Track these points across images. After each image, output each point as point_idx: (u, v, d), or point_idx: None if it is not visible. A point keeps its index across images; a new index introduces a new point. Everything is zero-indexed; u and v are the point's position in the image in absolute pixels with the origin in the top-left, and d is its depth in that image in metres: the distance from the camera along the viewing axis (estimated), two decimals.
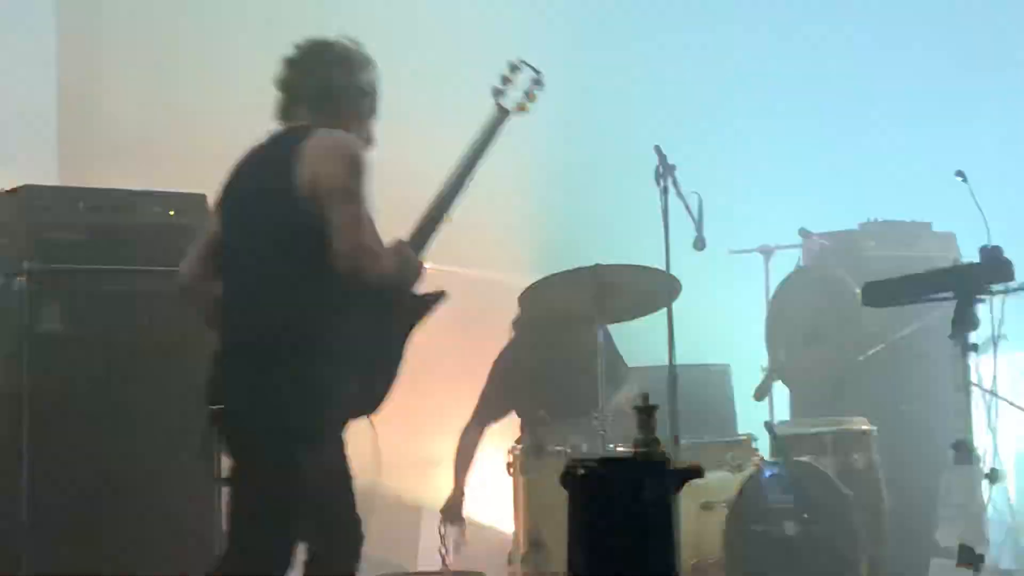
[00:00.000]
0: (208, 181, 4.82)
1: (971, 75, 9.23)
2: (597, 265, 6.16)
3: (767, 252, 7.79)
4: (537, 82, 5.34)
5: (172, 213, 5.91)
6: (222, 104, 7.52)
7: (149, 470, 5.61)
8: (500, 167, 9.01)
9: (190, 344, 5.35)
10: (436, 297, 4.77)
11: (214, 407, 4.27)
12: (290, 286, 4.31)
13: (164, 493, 5.60)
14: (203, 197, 5.58)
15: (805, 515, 6.01)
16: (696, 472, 2.28)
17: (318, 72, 4.59)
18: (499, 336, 7.24)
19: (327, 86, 4.59)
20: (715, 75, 9.32)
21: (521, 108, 5.25)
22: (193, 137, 7.49)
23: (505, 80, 5.25)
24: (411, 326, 4.76)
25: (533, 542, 5.99)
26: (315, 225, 4.27)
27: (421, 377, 8.66)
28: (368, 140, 4.68)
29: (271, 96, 4.61)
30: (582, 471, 2.27)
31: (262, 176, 4.46)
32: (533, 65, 5.30)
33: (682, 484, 2.28)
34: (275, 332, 4.30)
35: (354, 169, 4.37)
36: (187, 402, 4.65)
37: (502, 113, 5.21)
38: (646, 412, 2.33)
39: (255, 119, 4.63)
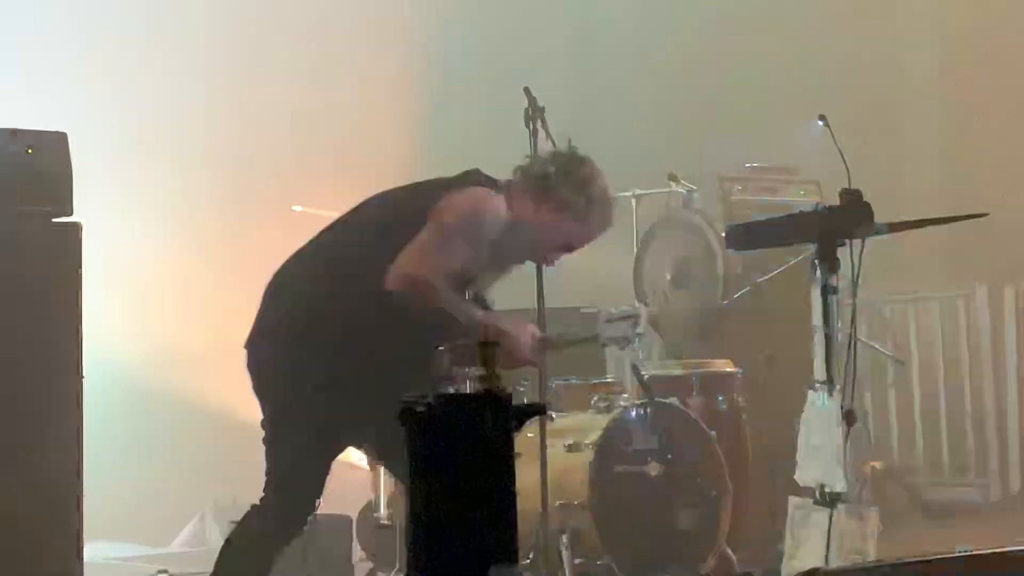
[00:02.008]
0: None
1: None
2: None
3: (637, 197, 7.83)
4: (635, 323, 5.11)
5: (30, 152, 5.74)
6: None
7: None
8: (365, 108, 9.02)
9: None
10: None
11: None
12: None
13: None
14: (64, 136, 5.44)
15: (669, 456, 6.09)
16: (538, 409, 2.28)
17: (549, 167, 4.83)
18: None
19: (544, 174, 4.79)
20: (587, 18, 9.34)
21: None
22: None
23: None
24: None
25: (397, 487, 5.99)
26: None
27: None
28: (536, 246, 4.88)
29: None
30: (421, 408, 2.25)
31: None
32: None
33: (523, 421, 2.27)
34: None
35: (467, 216, 4.59)
36: None
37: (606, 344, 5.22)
38: (488, 348, 2.32)
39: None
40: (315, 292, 4.72)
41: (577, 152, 4.94)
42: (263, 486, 4.69)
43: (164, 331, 8.61)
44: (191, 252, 8.69)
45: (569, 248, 4.97)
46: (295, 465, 4.63)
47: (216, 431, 8.53)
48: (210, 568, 4.72)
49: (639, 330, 4.98)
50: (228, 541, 4.72)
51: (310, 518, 4.74)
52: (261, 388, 4.80)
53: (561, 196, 4.78)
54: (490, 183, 4.77)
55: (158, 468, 8.34)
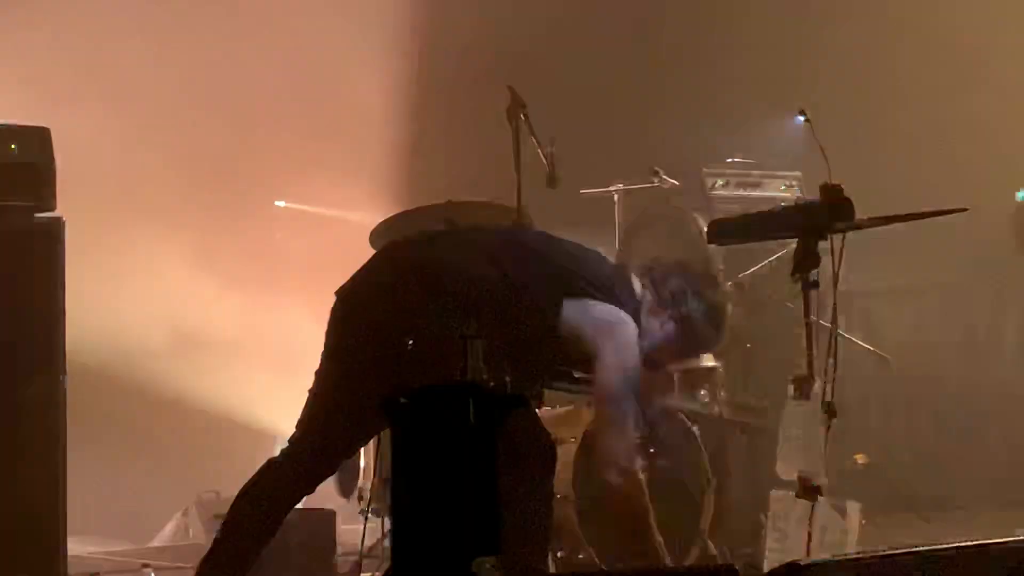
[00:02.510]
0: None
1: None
2: (449, 202, 6.17)
3: (619, 192, 7.85)
4: None
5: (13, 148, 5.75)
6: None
7: None
8: (353, 105, 9.02)
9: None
10: None
11: None
12: None
13: None
14: (46, 131, 5.45)
15: (652, 449, 6.11)
16: (520, 400, 2.29)
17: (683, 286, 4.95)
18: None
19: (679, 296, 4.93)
20: (569, 13, 9.36)
21: None
22: None
23: None
24: None
25: (384, 477, 6.00)
26: None
27: (277, 315, 8.71)
28: None
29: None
30: (404, 399, 2.26)
31: None
32: None
33: (507, 412, 2.28)
34: None
35: (633, 383, 4.77)
36: None
37: None
38: (470, 341, 2.33)
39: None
40: (450, 287, 4.69)
41: (708, 272, 5.06)
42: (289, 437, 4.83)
43: (148, 326, 8.61)
44: (174, 247, 8.69)
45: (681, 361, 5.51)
46: (328, 420, 4.72)
47: (200, 426, 8.54)
48: (193, 564, 4.76)
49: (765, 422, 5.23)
50: (243, 491, 4.82)
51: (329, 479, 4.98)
52: (337, 336, 4.82)
53: (695, 328, 4.94)
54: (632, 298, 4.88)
55: (142, 464, 8.34)
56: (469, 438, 2.20)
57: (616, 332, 4.75)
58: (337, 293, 4.86)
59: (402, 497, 2.21)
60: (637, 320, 4.83)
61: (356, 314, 4.77)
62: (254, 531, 4.84)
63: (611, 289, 4.84)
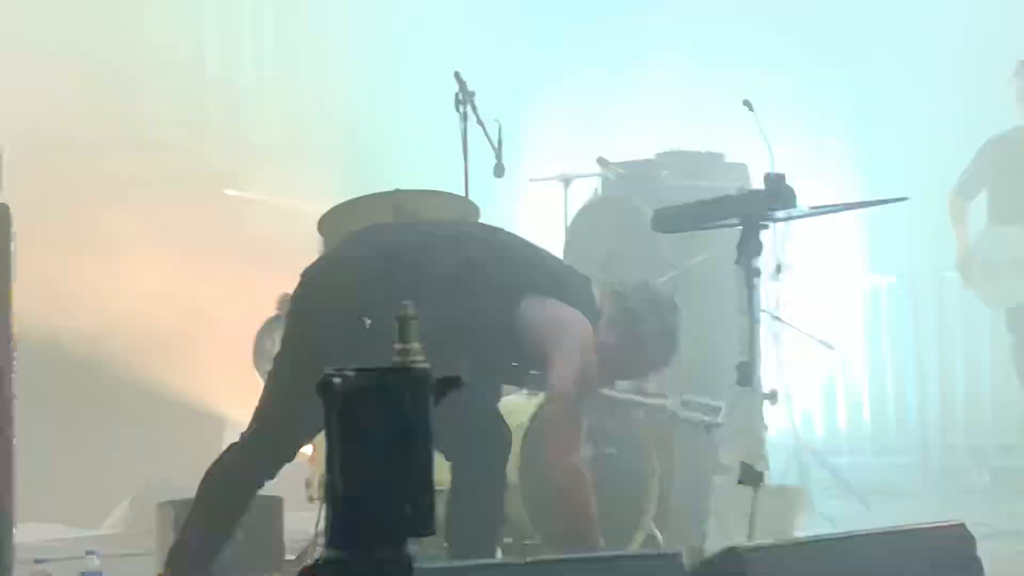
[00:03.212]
0: None
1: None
2: (396, 191, 6.18)
3: (566, 180, 7.88)
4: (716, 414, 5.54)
5: None
6: None
7: None
8: (303, 95, 9.02)
9: None
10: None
11: None
12: None
13: None
14: None
15: (596, 437, 6.15)
16: (455, 382, 2.31)
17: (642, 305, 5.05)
18: (302, 262, 7.24)
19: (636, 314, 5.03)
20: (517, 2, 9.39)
21: None
22: None
23: None
24: None
25: None
26: None
27: (227, 303, 8.71)
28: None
29: None
30: (338, 380, 2.28)
31: None
32: None
33: (442, 394, 2.31)
34: None
35: (586, 383, 4.90)
36: None
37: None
38: (404, 321, 2.36)
39: None
40: (412, 272, 4.75)
41: (669, 296, 5.19)
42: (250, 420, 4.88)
43: (97, 312, 8.58)
44: (124, 235, 8.67)
45: (627, 379, 5.55)
46: (287, 403, 4.73)
47: (150, 413, 8.52)
48: (141, 551, 4.80)
49: (719, 420, 5.23)
50: (207, 473, 4.88)
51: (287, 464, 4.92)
52: (298, 317, 4.88)
53: (647, 349, 5.05)
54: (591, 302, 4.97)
55: (90, 450, 8.32)
56: (403, 419, 2.22)
57: (572, 332, 4.80)
58: (302, 274, 4.90)
59: (336, 478, 2.23)
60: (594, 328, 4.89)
61: (318, 295, 4.81)
62: (221, 516, 4.88)
63: (571, 291, 4.90)
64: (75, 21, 8.47)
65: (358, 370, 2.25)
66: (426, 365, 2.27)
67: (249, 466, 4.90)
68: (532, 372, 4.99)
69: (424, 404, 2.23)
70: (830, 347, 7.87)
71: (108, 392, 8.52)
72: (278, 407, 4.83)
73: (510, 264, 4.88)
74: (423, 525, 2.24)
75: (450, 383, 2.29)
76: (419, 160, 7.88)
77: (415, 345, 2.32)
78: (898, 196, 6.48)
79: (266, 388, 4.92)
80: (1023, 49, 8.16)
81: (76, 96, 8.50)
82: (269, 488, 5.25)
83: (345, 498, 2.21)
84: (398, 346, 2.31)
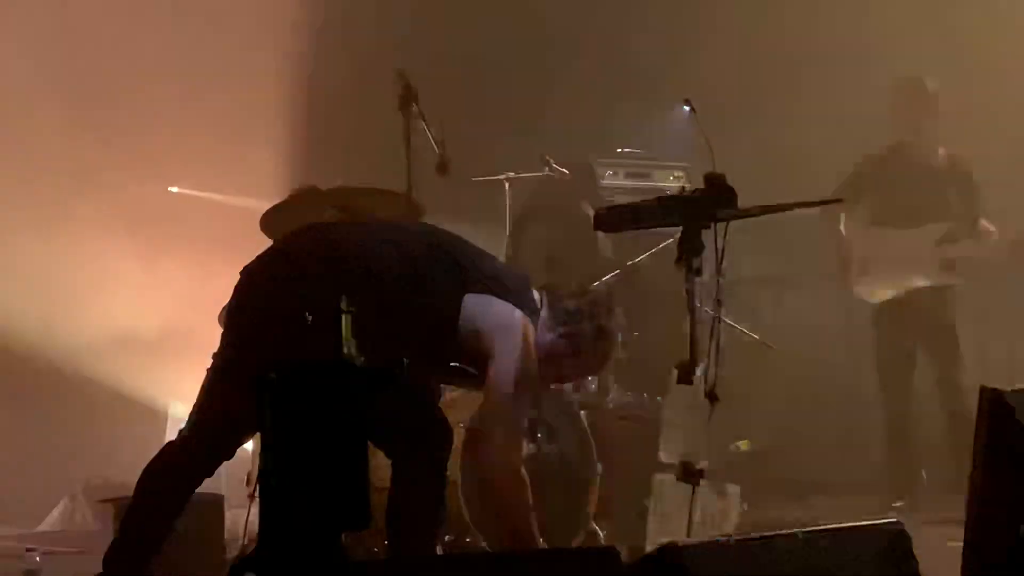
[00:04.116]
0: None
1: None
2: (340, 187, 6.19)
3: (510, 180, 7.91)
4: None
5: None
6: None
7: None
8: (245, 90, 9.00)
9: None
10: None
11: None
12: None
13: None
14: None
15: (539, 435, 6.19)
16: (389, 374, 2.33)
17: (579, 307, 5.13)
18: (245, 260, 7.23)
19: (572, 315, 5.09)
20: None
21: None
22: None
23: None
24: None
25: None
26: None
27: (169, 300, 8.68)
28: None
29: None
30: (274, 375, 2.29)
31: None
32: None
33: (375, 387, 2.33)
34: None
35: (527, 379, 4.93)
36: None
37: None
38: (340, 317, 2.37)
39: None
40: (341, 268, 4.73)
41: (607, 299, 5.21)
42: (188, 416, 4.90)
43: (40, 308, 8.52)
44: (68, 231, 8.62)
45: (563, 381, 5.65)
46: (226, 399, 4.72)
47: (90, 410, 8.48)
48: (80, 548, 4.79)
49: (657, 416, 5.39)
50: (145, 471, 4.89)
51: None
52: (238, 313, 4.88)
53: (584, 351, 5.09)
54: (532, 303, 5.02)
55: (29, 446, 8.27)
56: (336, 414, 2.23)
57: (513, 331, 4.83)
58: (242, 272, 4.90)
59: (270, 473, 2.24)
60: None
61: (258, 291, 4.81)
62: (158, 514, 4.88)
63: (512, 292, 4.92)
64: None
65: (292, 366, 2.26)
66: (360, 361, 2.28)
67: (187, 463, 4.91)
68: (471, 371, 5.00)
69: (358, 399, 2.25)
70: (769, 347, 7.93)
71: (48, 388, 8.47)
72: (216, 404, 4.83)
73: (451, 263, 4.90)
74: (357, 519, 2.25)
75: (384, 378, 2.30)
76: (363, 158, 7.86)
77: (350, 341, 2.33)
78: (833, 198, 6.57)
79: (204, 385, 4.92)
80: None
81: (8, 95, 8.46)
82: (211, 486, 5.26)
83: (279, 492, 2.22)
84: (334, 342, 2.33)
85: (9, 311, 8.21)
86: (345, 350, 2.31)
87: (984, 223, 7.95)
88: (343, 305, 2.37)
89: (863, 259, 8.00)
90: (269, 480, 2.21)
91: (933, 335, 7.96)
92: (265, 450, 2.26)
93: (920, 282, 7.87)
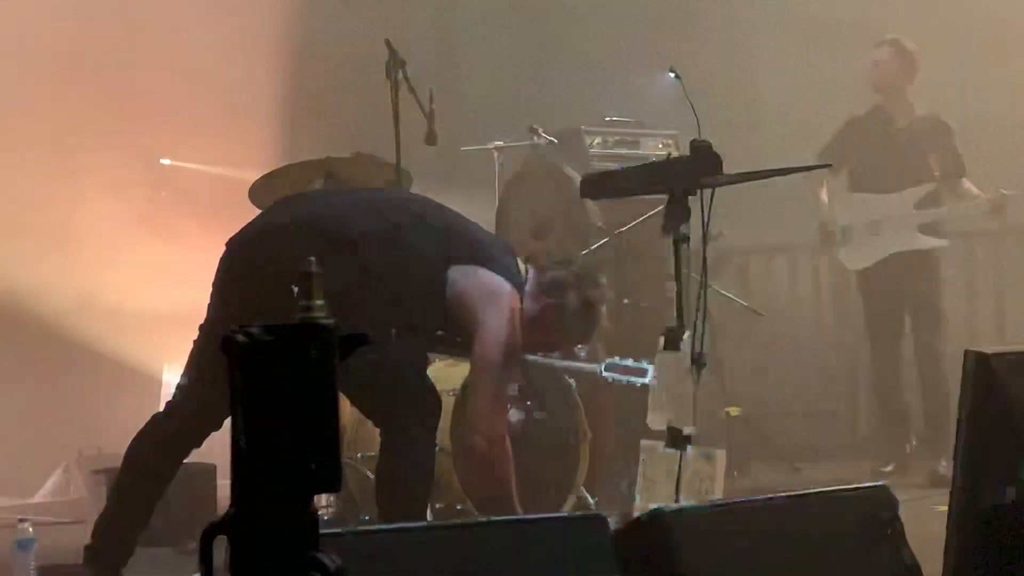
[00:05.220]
0: None
1: None
2: (327, 158, 6.19)
3: (498, 149, 7.92)
4: None
5: None
6: None
7: None
8: (230, 62, 8.98)
9: None
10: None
11: None
12: None
13: None
14: None
15: (529, 403, 6.21)
16: (362, 339, 2.33)
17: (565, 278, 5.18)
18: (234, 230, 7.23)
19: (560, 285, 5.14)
20: None
21: None
22: None
23: None
24: None
25: None
26: None
27: (163, 271, 8.67)
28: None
29: None
30: (243, 337, 2.29)
31: None
32: None
33: (348, 350, 2.33)
34: None
35: (512, 351, 4.98)
36: None
37: None
38: (307, 277, 2.37)
39: None
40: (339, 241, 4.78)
41: (592, 270, 5.29)
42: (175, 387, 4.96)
43: (34, 278, 8.51)
44: (61, 201, 8.61)
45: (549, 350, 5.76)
46: (212, 372, 4.74)
47: (83, 381, 8.48)
48: (73, 519, 4.82)
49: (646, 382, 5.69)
50: (134, 441, 4.94)
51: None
52: (223, 285, 4.91)
53: (567, 321, 5.11)
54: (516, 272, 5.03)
55: (21, 416, 8.28)
56: (307, 375, 2.24)
57: (499, 300, 4.85)
58: (227, 243, 4.91)
59: (240, 436, 2.25)
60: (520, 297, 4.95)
61: (243, 263, 4.82)
62: (147, 484, 4.91)
63: (498, 261, 4.94)
64: None
65: (261, 327, 2.26)
66: (330, 321, 2.28)
67: (175, 434, 4.94)
68: (458, 339, 5.03)
69: (329, 360, 2.25)
70: (758, 314, 7.95)
71: (40, 357, 8.47)
72: (203, 375, 4.85)
73: (437, 232, 4.91)
74: (329, 482, 2.26)
75: (355, 340, 2.31)
76: (351, 128, 7.86)
77: (318, 302, 2.33)
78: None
79: (191, 356, 4.94)
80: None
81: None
82: (204, 455, 5.29)
83: (250, 455, 2.23)
84: (302, 302, 2.33)
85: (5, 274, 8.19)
86: (312, 312, 2.31)
87: (968, 184, 7.89)
88: (312, 268, 2.37)
89: (844, 226, 7.97)
90: (239, 443, 2.22)
91: (915, 300, 7.92)
92: (235, 412, 2.27)
93: (900, 247, 7.79)
